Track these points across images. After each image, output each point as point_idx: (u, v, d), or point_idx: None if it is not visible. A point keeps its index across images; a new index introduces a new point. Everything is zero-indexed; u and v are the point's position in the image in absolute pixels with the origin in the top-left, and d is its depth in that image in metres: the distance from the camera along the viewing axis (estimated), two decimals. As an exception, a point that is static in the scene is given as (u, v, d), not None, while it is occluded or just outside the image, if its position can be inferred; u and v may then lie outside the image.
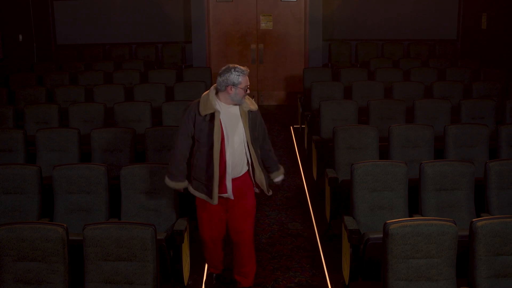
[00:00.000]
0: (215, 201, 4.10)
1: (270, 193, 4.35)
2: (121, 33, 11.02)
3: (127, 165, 4.74)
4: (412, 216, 4.59)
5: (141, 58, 10.48)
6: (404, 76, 8.72)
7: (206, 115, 4.06)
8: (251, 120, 4.16)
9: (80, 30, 10.99)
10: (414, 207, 4.77)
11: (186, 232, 4.45)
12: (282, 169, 4.52)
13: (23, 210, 4.63)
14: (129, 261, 3.51)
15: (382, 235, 3.58)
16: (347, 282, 4.36)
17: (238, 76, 4.03)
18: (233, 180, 4.16)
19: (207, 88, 6.28)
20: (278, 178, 4.49)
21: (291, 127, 9.44)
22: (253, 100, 4.26)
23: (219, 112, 4.06)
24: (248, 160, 4.19)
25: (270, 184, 4.38)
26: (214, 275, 4.60)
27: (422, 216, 4.57)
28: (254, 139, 4.18)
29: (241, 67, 4.09)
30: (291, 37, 11.08)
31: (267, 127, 4.37)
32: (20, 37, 9.86)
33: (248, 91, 4.11)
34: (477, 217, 4.14)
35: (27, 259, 3.50)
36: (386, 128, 5.94)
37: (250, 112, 4.16)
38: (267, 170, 4.40)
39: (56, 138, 5.72)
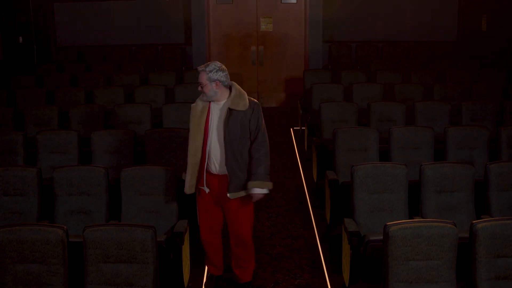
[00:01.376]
0: (186, 189, 4.23)
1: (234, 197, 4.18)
2: (121, 35, 11.02)
3: (127, 167, 4.75)
4: (413, 218, 4.59)
5: (141, 60, 10.49)
6: (404, 78, 8.73)
7: (197, 110, 4.19)
8: (233, 119, 4.09)
9: (80, 32, 10.99)
10: (414, 209, 4.76)
11: (186, 234, 4.44)
12: (260, 183, 4.12)
13: (23, 212, 4.62)
14: (129, 263, 3.51)
15: (382, 237, 3.58)
16: (347, 284, 4.36)
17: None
18: (216, 176, 4.21)
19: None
20: (253, 190, 4.13)
21: (291, 129, 9.43)
22: (248, 101, 4.16)
23: (201, 105, 4.19)
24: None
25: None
26: (214, 277, 4.60)
27: (423, 218, 4.57)
28: (232, 139, 4.10)
29: (205, 64, 4.18)
30: (291, 39, 11.08)
31: (267, 128, 4.32)
32: (20, 39, 9.87)
33: (201, 89, 4.13)
34: (477, 219, 4.13)
35: (27, 261, 3.50)
36: (386, 130, 5.94)
37: (232, 110, 4.09)
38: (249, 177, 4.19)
39: (56, 140, 5.73)
